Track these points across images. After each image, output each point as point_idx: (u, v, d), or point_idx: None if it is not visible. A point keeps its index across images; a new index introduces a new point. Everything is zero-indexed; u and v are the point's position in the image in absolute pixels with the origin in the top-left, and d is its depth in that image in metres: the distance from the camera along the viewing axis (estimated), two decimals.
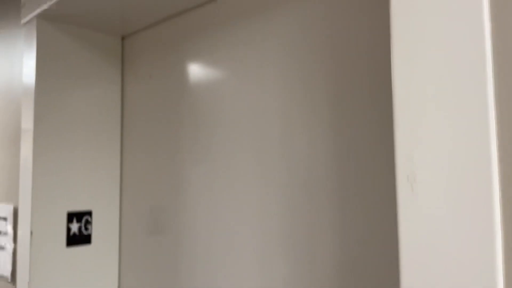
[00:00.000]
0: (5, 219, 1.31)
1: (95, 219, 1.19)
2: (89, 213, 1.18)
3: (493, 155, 0.37)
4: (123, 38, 1.31)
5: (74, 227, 1.15)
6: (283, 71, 0.87)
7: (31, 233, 1.08)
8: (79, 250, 1.16)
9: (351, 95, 0.76)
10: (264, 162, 0.88)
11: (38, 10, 1.10)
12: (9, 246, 1.26)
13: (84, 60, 1.21)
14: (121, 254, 1.24)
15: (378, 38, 0.73)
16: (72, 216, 1.15)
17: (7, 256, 1.27)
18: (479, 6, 0.39)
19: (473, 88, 0.39)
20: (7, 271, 1.26)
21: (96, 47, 1.24)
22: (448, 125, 0.40)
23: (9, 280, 1.25)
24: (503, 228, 0.36)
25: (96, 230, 1.19)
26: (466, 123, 0.39)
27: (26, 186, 1.12)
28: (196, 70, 1.08)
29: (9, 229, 1.28)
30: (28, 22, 1.17)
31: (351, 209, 0.74)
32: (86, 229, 1.18)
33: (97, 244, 1.19)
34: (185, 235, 1.05)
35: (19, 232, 1.15)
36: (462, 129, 0.39)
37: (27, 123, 1.14)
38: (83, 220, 1.17)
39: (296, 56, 0.85)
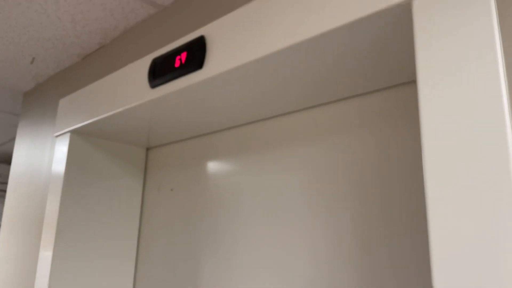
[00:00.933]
0: None
1: None
2: None
3: None
4: (147, 149, 1.37)
5: None
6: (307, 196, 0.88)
7: None
8: None
9: (377, 233, 0.75)
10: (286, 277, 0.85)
11: (70, 128, 1.18)
12: None
13: (109, 167, 1.26)
14: None
15: (407, 170, 0.74)
16: None
17: None
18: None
19: None
20: None
21: (121, 157, 1.30)
22: None
23: None
24: None
25: None
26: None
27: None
28: (216, 187, 1.10)
29: None
30: (60, 135, 1.25)
31: None
32: None
33: None
34: None
35: None
36: None
37: (52, 207, 1.15)
38: None
39: (320, 178, 0.86)
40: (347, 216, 0.80)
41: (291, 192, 0.92)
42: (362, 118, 0.83)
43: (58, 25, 1.19)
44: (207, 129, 1.13)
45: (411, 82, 0.77)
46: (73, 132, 1.21)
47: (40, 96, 1.71)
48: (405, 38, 0.62)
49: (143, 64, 0.99)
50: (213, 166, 1.13)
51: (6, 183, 3.27)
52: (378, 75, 0.76)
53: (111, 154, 1.27)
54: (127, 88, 1.01)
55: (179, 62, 0.88)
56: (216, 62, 0.79)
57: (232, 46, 0.76)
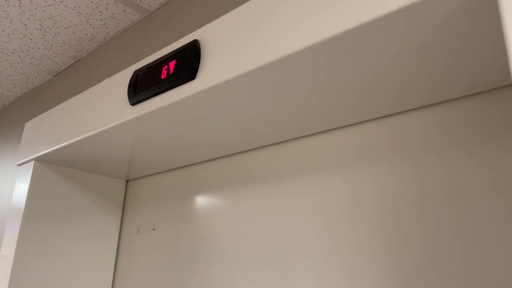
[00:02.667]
0: None
1: None
2: None
3: None
4: (127, 181, 1.18)
5: None
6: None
7: None
8: None
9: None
10: None
11: (35, 155, 0.98)
12: None
13: (80, 202, 1.05)
14: None
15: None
16: None
17: None
18: None
19: None
20: None
21: (95, 190, 1.10)
22: None
23: None
24: None
25: None
26: None
27: None
28: (205, 226, 0.91)
29: None
30: (23, 163, 1.05)
31: None
32: None
33: None
34: None
35: None
36: None
37: (7, 250, 0.94)
38: None
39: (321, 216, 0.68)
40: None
41: (295, 232, 0.73)
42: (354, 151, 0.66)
43: (24, 33, 1.00)
44: (198, 157, 0.95)
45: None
46: (38, 160, 1.01)
47: (5, 120, 1.51)
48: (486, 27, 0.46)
49: (123, 78, 0.82)
50: (202, 201, 0.94)
51: None
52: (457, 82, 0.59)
53: (83, 186, 1.07)
54: (103, 107, 0.83)
55: (166, 73, 0.70)
56: (213, 71, 0.61)
57: (234, 50, 0.59)
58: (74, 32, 1.04)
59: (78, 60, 1.20)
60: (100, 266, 1.04)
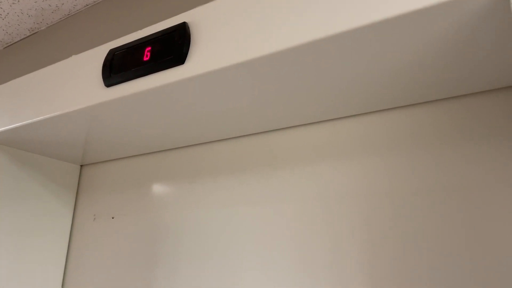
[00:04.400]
0: None
1: None
2: None
3: None
4: (81, 166, 1.10)
5: None
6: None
7: None
8: None
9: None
10: None
11: None
12: None
13: (29, 187, 0.97)
14: None
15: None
16: None
17: None
18: None
19: None
20: None
21: (46, 174, 1.02)
22: None
23: None
24: None
25: None
26: None
27: None
28: (161, 208, 0.87)
29: None
30: None
31: None
32: None
33: None
34: None
35: None
36: None
37: None
38: None
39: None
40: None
41: (273, 225, 0.73)
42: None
43: None
44: (167, 144, 0.90)
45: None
46: None
47: None
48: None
49: (95, 57, 0.75)
50: (166, 189, 0.90)
51: None
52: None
53: (33, 169, 0.99)
54: (71, 87, 0.76)
55: (149, 55, 0.66)
56: (205, 57, 0.58)
57: (230, 37, 0.56)
58: (36, 2, 0.94)
59: (35, 32, 1.10)
60: (50, 256, 0.96)
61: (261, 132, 0.82)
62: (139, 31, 0.70)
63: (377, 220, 0.64)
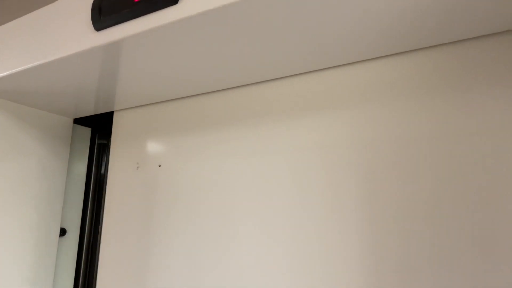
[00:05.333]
0: None
1: None
2: None
3: None
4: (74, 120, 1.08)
5: None
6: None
7: None
8: None
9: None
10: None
11: None
12: None
13: (23, 141, 0.95)
14: None
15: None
16: None
17: None
18: None
19: None
20: None
21: (41, 128, 0.99)
22: None
23: None
24: None
25: None
26: None
27: None
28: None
29: None
30: None
31: None
32: None
33: None
34: None
35: None
36: None
37: None
38: None
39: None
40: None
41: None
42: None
43: None
44: (165, 95, 0.87)
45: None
46: None
47: None
48: None
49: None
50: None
51: None
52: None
53: (26, 123, 0.96)
54: (59, 32, 0.72)
55: None
56: None
57: None
58: None
59: None
60: (46, 210, 0.95)
61: (260, 82, 0.79)
62: None
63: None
